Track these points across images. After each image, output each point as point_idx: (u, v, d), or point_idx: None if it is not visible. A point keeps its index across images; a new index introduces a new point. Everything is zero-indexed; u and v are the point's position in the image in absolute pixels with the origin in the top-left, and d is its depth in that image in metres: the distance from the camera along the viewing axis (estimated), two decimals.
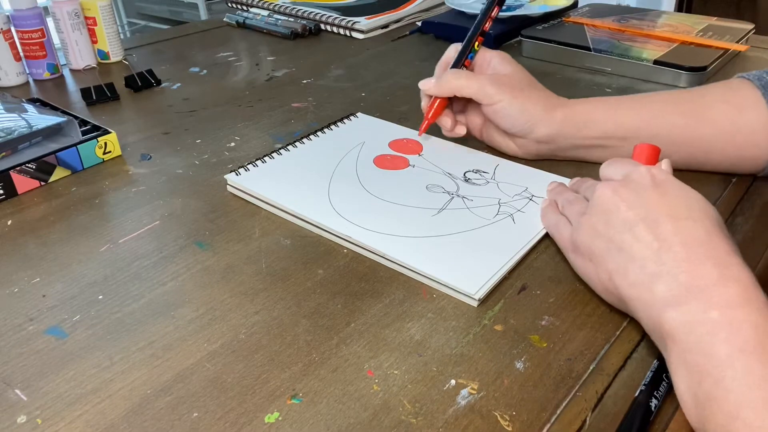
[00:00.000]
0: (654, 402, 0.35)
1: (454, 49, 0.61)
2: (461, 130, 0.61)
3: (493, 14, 0.61)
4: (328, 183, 0.55)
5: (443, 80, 0.58)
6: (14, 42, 0.82)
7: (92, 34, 0.89)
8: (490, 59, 0.60)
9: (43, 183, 0.59)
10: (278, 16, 1.07)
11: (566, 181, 0.55)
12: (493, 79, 0.56)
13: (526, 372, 0.37)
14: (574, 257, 0.44)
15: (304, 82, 0.82)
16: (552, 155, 0.59)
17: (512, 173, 0.56)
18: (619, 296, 0.39)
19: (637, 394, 0.35)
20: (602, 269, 0.40)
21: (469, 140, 0.62)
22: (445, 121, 0.60)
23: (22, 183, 0.57)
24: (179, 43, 1.00)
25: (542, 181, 0.54)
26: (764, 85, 0.52)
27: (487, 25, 0.60)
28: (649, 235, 0.37)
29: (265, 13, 1.09)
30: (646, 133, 0.54)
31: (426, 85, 0.59)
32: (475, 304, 0.42)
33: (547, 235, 0.49)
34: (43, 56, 0.83)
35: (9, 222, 0.53)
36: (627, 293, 0.38)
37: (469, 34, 0.60)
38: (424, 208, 0.51)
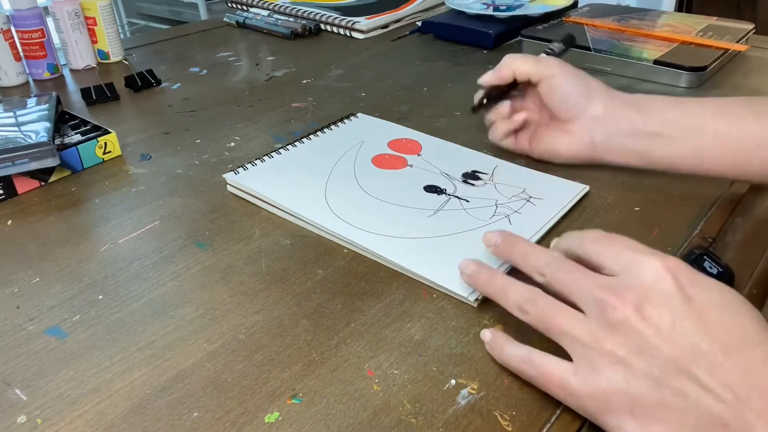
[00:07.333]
0: None
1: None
2: (520, 116, 0.58)
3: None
4: (325, 182, 0.55)
5: (500, 66, 0.57)
6: (14, 42, 0.82)
7: (92, 34, 0.89)
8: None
9: (43, 183, 0.59)
10: (278, 16, 1.07)
11: (566, 184, 0.55)
12: (550, 59, 0.57)
13: None
14: (595, 404, 0.31)
15: (304, 82, 0.82)
16: (606, 152, 0.54)
17: (510, 174, 0.56)
18: None
19: None
20: (659, 429, 0.30)
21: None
22: (503, 108, 0.58)
23: (22, 183, 0.57)
24: (179, 43, 1.00)
25: (541, 183, 0.54)
26: None
27: None
28: (715, 381, 0.28)
29: (265, 13, 1.09)
30: (712, 127, 0.49)
31: (485, 78, 0.58)
32: (474, 304, 0.42)
33: (545, 237, 0.49)
34: (43, 56, 0.83)
35: (9, 222, 0.53)
36: None
37: None
38: (421, 209, 0.51)
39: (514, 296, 0.36)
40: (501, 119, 0.59)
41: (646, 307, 0.31)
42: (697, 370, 0.29)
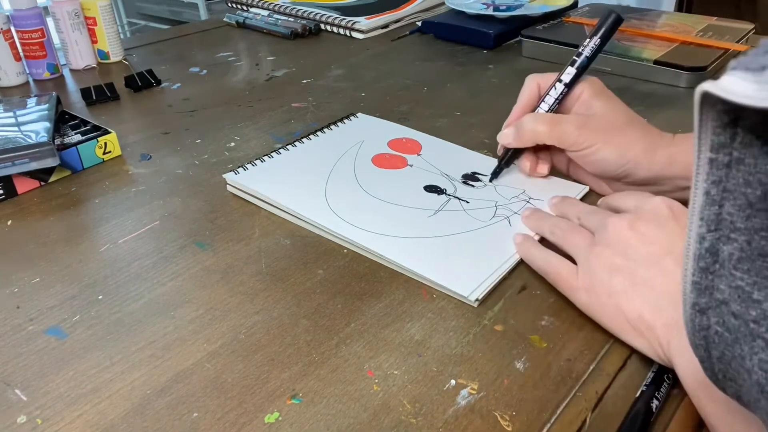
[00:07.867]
0: (655, 403, 0.35)
1: (534, 81, 0.54)
2: (544, 169, 0.55)
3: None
4: (326, 181, 0.55)
5: (520, 129, 0.52)
6: (14, 42, 0.82)
7: (92, 34, 0.89)
8: (580, 94, 0.52)
9: (43, 183, 0.59)
10: (278, 16, 1.07)
11: (567, 185, 0.55)
12: (579, 123, 0.50)
13: (526, 372, 0.37)
14: (587, 296, 0.40)
15: (304, 82, 0.82)
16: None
17: (510, 176, 0.56)
18: (649, 336, 0.36)
19: (638, 395, 0.35)
20: (629, 308, 0.37)
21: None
22: (524, 165, 0.54)
23: (22, 183, 0.57)
24: (179, 43, 1.00)
25: (540, 184, 0.54)
26: None
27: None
28: (679, 269, 0.35)
29: (265, 13, 1.09)
30: None
31: (506, 140, 0.53)
32: (474, 304, 0.42)
33: (544, 239, 0.49)
34: (43, 56, 0.83)
35: (9, 222, 0.53)
36: (661, 332, 0.36)
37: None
38: (421, 209, 0.51)
39: (548, 225, 0.46)
40: (524, 172, 0.56)
41: (640, 224, 0.39)
42: (667, 263, 0.37)
